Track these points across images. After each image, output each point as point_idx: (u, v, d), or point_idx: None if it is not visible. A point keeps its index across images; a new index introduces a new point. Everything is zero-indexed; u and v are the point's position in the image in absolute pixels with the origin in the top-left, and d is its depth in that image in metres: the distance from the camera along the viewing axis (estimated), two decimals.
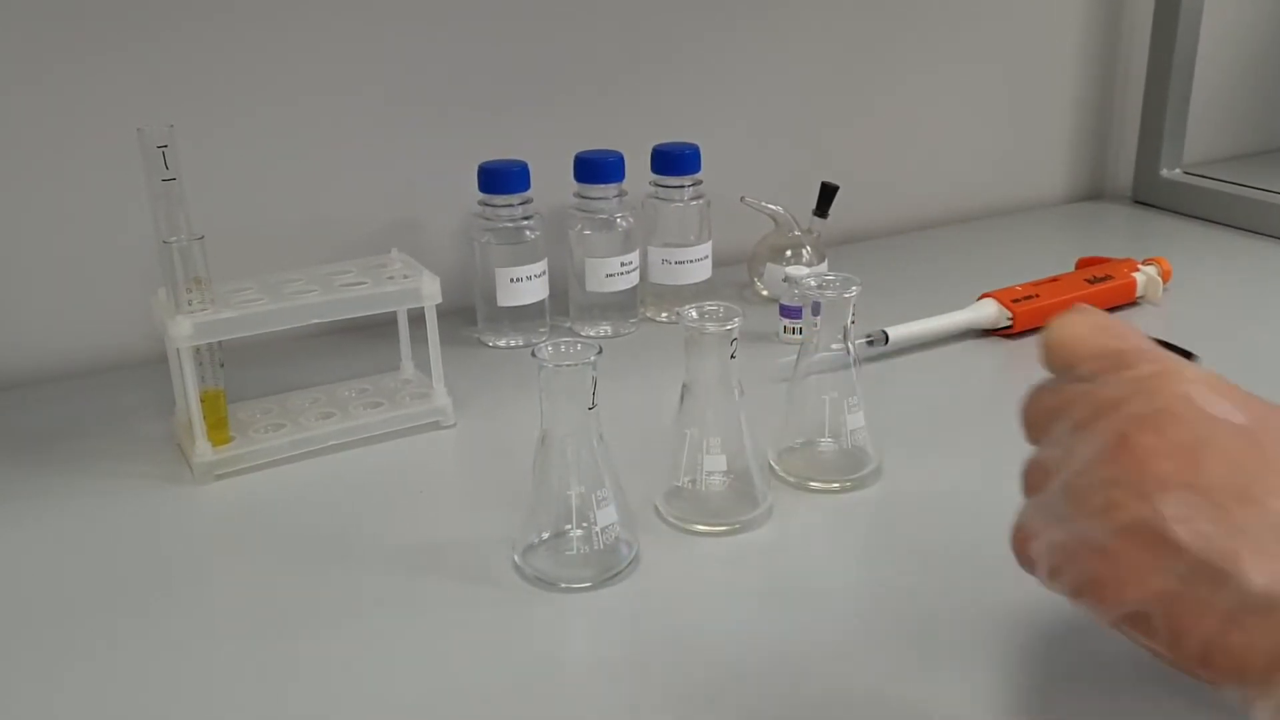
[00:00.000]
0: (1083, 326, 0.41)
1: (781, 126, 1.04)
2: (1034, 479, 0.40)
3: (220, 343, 0.65)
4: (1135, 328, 0.41)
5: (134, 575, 0.56)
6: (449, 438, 0.70)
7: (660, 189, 0.87)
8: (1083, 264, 0.92)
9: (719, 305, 0.56)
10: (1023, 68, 1.16)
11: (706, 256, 0.88)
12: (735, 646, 0.50)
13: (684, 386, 0.58)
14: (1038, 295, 0.84)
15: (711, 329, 0.55)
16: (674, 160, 0.86)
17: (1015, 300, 0.83)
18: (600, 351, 0.52)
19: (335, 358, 0.81)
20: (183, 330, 0.61)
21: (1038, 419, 0.42)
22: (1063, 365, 0.41)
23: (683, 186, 0.87)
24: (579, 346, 0.52)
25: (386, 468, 0.67)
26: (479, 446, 0.70)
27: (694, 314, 0.56)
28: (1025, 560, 0.40)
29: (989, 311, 0.83)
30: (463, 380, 0.74)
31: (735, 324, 0.56)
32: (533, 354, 0.51)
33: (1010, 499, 0.42)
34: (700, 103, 0.99)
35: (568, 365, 0.51)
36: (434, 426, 0.71)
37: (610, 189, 0.84)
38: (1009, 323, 0.83)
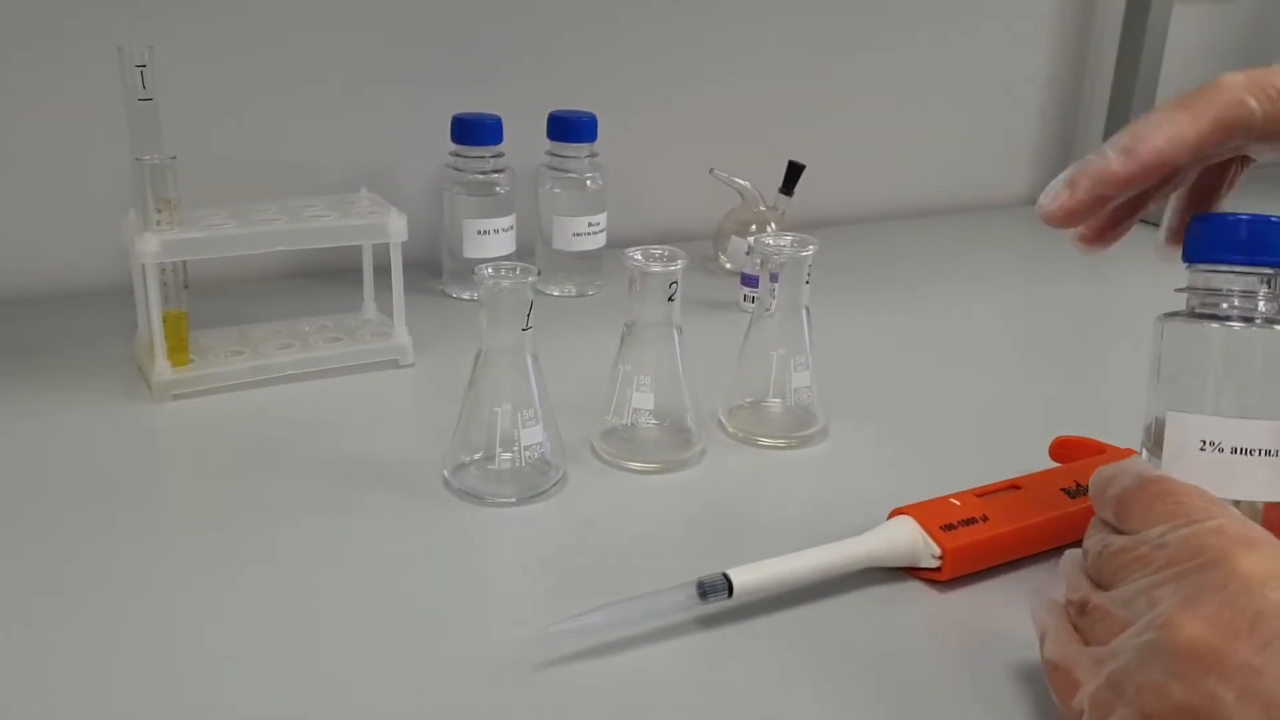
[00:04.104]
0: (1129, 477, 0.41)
1: (756, 107, 1.06)
2: (1096, 626, 0.39)
3: (185, 265, 0.66)
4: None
5: (85, 478, 0.57)
6: (407, 376, 0.71)
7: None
8: (1061, 450, 0.61)
9: (665, 248, 0.58)
10: (994, 69, 1.19)
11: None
12: (649, 564, 0.52)
13: (625, 326, 0.60)
14: (986, 517, 0.52)
15: (655, 269, 0.57)
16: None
17: (946, 526, 0.51)
18: (539, 273, 0.54)
19: (300, 298, 0.82)
20: (149, 247, 0.62)
21: (1108, 566, 0.40)
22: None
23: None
24: (519, 269, 0.54)
25: (342, 399, 0.68)
26: (435, 386, 0.70)
27: (638, 255, 0.58)
28: (1067, 705, 0.39)
29: (904, 539, 0.51)
30: (424, 328, 0.75)
31: (678, 265, 0.58)
32: (474, 271, 0.54)
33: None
34: (677, 78, 1.01)
35: (506, 284, 0.53)
36: (393, 365, 0.72)
37: (582, 148, 0.85)
38: (936, 562, 0.50)
